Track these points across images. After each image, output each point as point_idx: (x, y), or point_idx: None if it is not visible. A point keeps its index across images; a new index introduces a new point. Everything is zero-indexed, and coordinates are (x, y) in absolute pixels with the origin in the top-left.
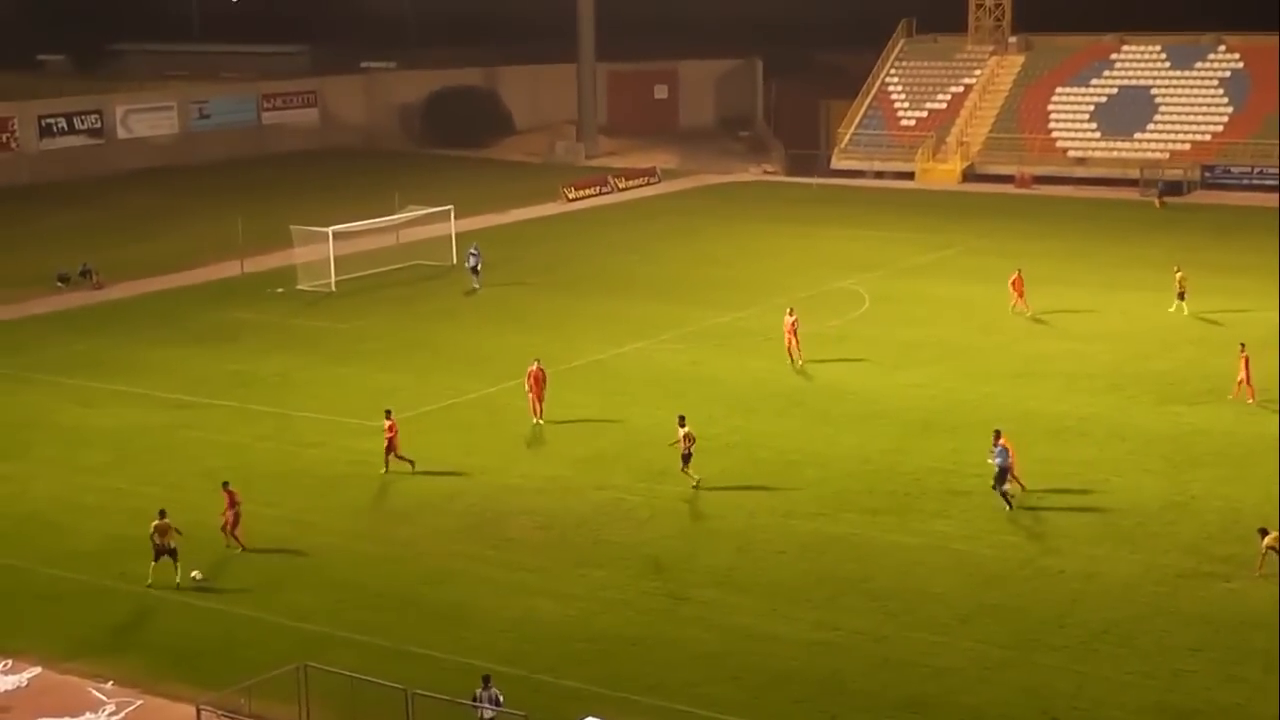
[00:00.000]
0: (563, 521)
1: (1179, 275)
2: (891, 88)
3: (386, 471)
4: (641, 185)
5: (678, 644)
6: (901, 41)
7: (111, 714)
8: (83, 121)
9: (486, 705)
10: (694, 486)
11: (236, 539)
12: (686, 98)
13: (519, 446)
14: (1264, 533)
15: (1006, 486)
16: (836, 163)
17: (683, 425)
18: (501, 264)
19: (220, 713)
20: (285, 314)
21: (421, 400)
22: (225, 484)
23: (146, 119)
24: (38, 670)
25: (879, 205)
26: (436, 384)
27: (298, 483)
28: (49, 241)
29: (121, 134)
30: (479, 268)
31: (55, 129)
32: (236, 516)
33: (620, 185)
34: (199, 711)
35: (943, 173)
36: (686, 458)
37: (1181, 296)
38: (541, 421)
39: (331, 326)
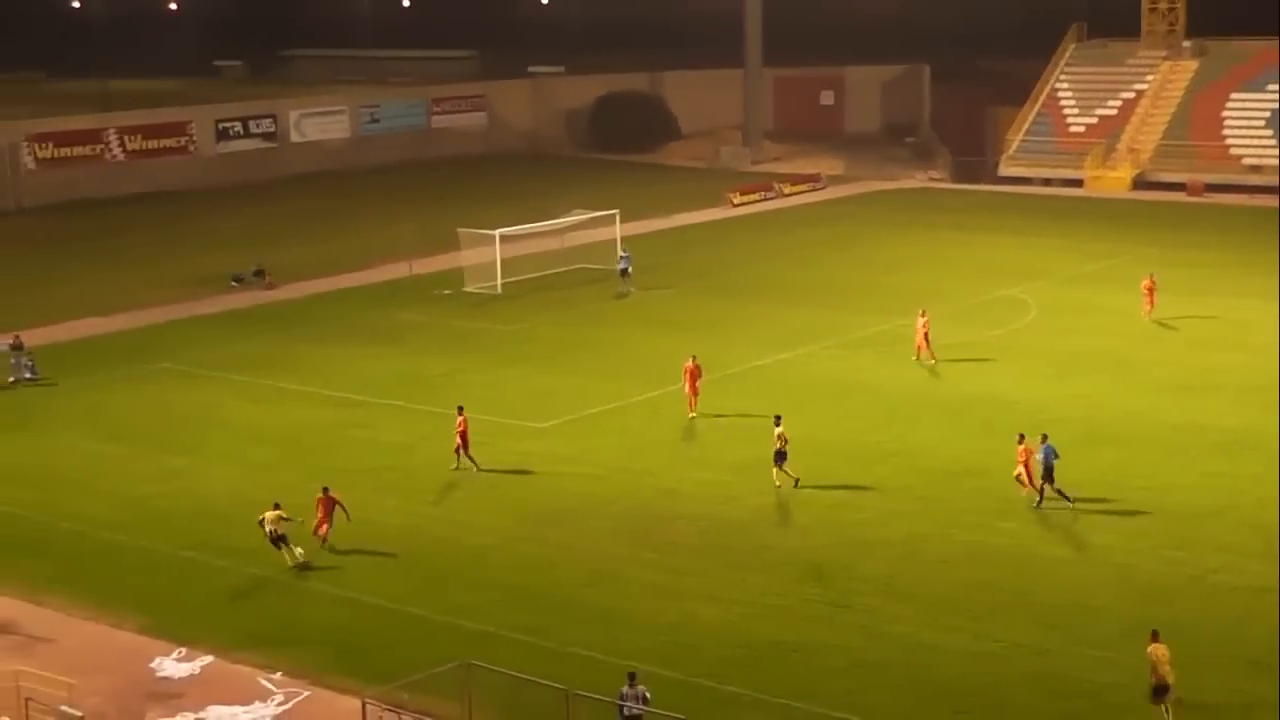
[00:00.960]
0: (723, 526)
1: None
2: (1061, 94)
3: (457, 468)
4: (806, 191)
5: (837, 651)
6: (1072, 46)
7: (280, 704)
8: (257, 125)
9: (632, 704)
10: (794, 484)
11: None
12: (852, 103)
13: (679, 451)
14: None
15: (1037, 491)
16: (1004, 170)
17: (778, 425)
18: (664, 268)
19: (385, 707)
20: (451, 315)
21: (584, 403)
22: (325, 489)
23: (318, 123)
24: (210, 659)
25: (1046, 213)
26: (599, 387)
27: (460, 482)
28: (224, 242)
29: (294, 137)
30: (629, 271)
31: (231, 133)
32: (328, 516)
33: (785, 191)
34: (364, 705)
35: (1112, 180)
36: (780, 456)
37: None
38: (695, 414)
39: (496, 328)
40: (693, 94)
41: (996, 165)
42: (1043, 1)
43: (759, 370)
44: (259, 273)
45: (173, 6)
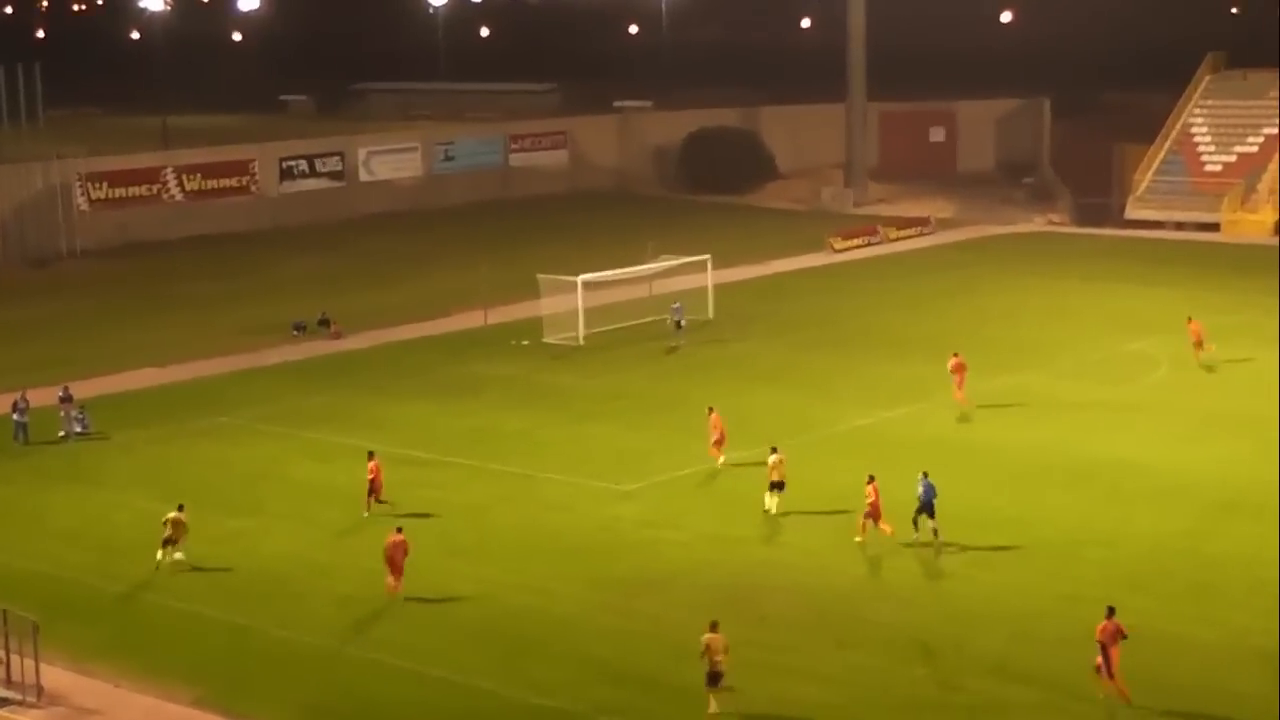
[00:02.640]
0: (822, 598)
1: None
2: (1195, 129)
3: (368, 514)
4: (914, 236)
5: None
6: (1207, 78)
7: None
8: (324, 164)
9: None
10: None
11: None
12: (965, 140)
13: (776, 516)
14: None
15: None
16: (1131, 212)
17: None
18: (761, 319)
19: None
20: (530, 368)
21: (673, 464)
22: (399, 530)
23: (389, 161)
24: None
25: (1178, 260)
26: (691, 447)
27: (540, 548)
28: (287, 288)
29: (363, 176)
30: (683, 323)
31: (296, 171)
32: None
33: (891, 235)
34: None
35: (1252, 224)
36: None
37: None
38: (721, 461)
39: (578, 383)
40: (791, 130)
41: (1123, 208)
42: (1175, 29)
43: (864, 430)
44: (324, 321)
45: (237, 37)
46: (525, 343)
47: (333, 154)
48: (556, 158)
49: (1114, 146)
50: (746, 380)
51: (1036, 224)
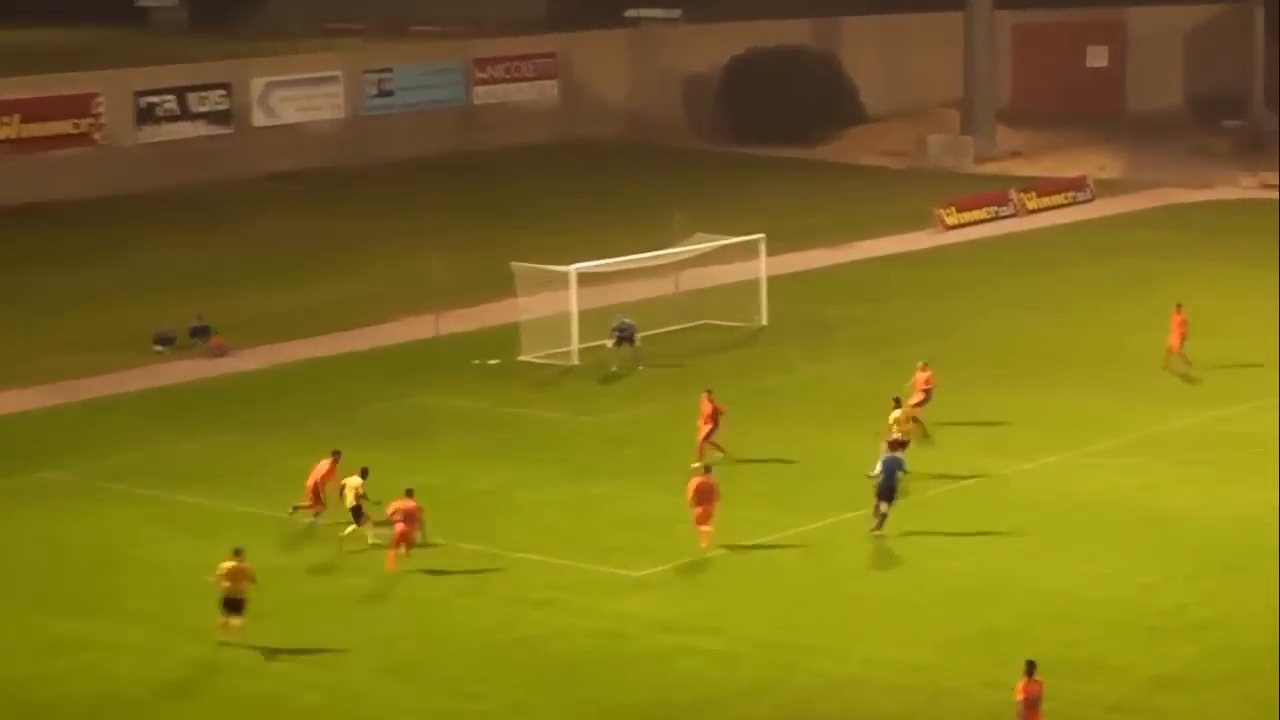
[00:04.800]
0: None
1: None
2: None
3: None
4: (1064, 205)
5: None
6: None
7: None
8: (202, 101)
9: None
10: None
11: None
12: (1138, 66)
13: (864, 615)
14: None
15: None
16: None
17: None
18: (841, 327)
19: None
20: (501, 399)
21: (711, 537)
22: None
23: (297, 97)
24: None
25: None
26: (731, 513)
27: (514, 664)
28: (147, 283)
29: (260, 119)
30: (635, 340)
31: (160, 112)
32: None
33: (1029, 204)
34: None
35: None
36: (898, 444)
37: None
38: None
39: (571, 421)
40: (885, 52)
41: None
42: None
43: (993, 485)
44: (200, 330)
45: None
46: (495, 362)
47: (214, 87)
48: (542, 92)
49: None
50: (819, 417)
51: (1245, 187)
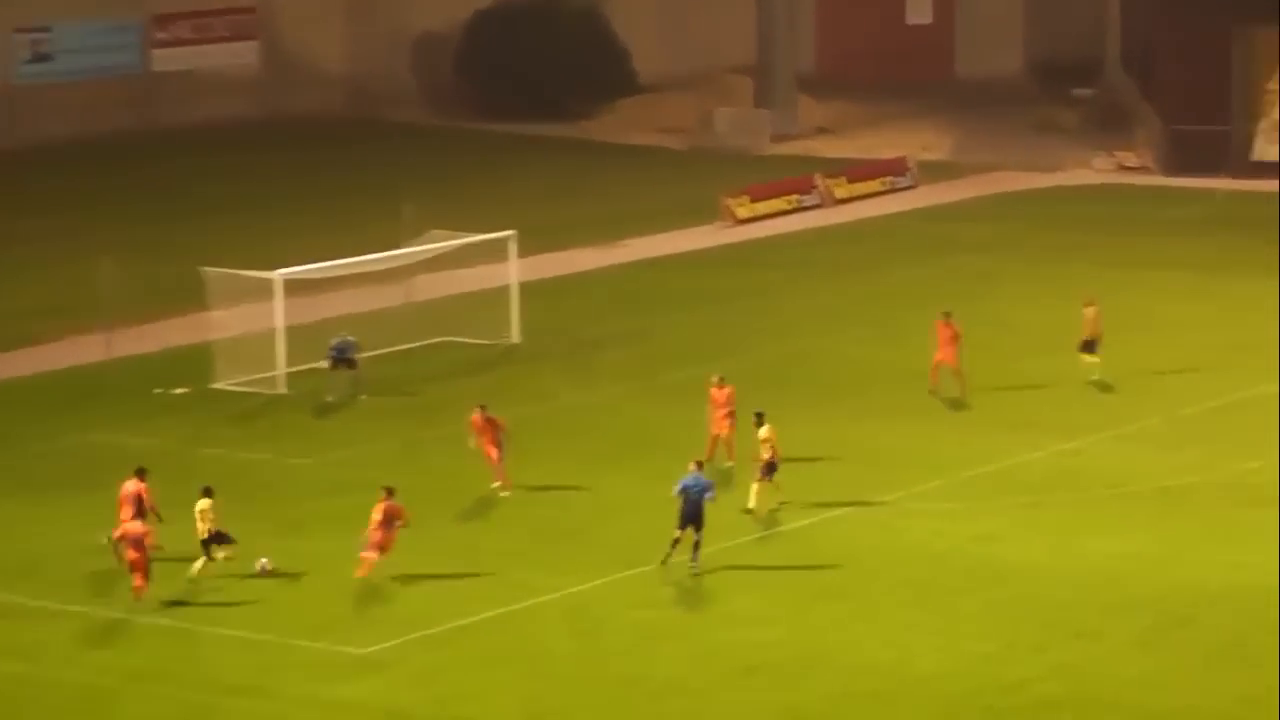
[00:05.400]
0: None
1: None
2: None
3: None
4: (881, 193)
5: None
6: None
7: None
8: None
9: None
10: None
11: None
12: (969, 23)
13: (639, 700)
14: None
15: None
16: (1262, 151)
17: (761, 424)
18: (612, 345)
19: None
20: (189, 437)
21: (454, 605)
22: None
23: None
24: None
25: None
26: (485, 572)
27: None
28: None
29: None
30: (355, 361)
31: None
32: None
33: (838, 193)
34: None
35: None
36: (770, 468)
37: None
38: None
39: (279, 462)
40: (662, 8)
41: (1251, 141)
42: None
43: (798, 538)
44: None
45: None
46: (181, 391)
47: None
48: (238, 55)
49: (1235, 32)
50: (584, 458)
51: (1097, 169)
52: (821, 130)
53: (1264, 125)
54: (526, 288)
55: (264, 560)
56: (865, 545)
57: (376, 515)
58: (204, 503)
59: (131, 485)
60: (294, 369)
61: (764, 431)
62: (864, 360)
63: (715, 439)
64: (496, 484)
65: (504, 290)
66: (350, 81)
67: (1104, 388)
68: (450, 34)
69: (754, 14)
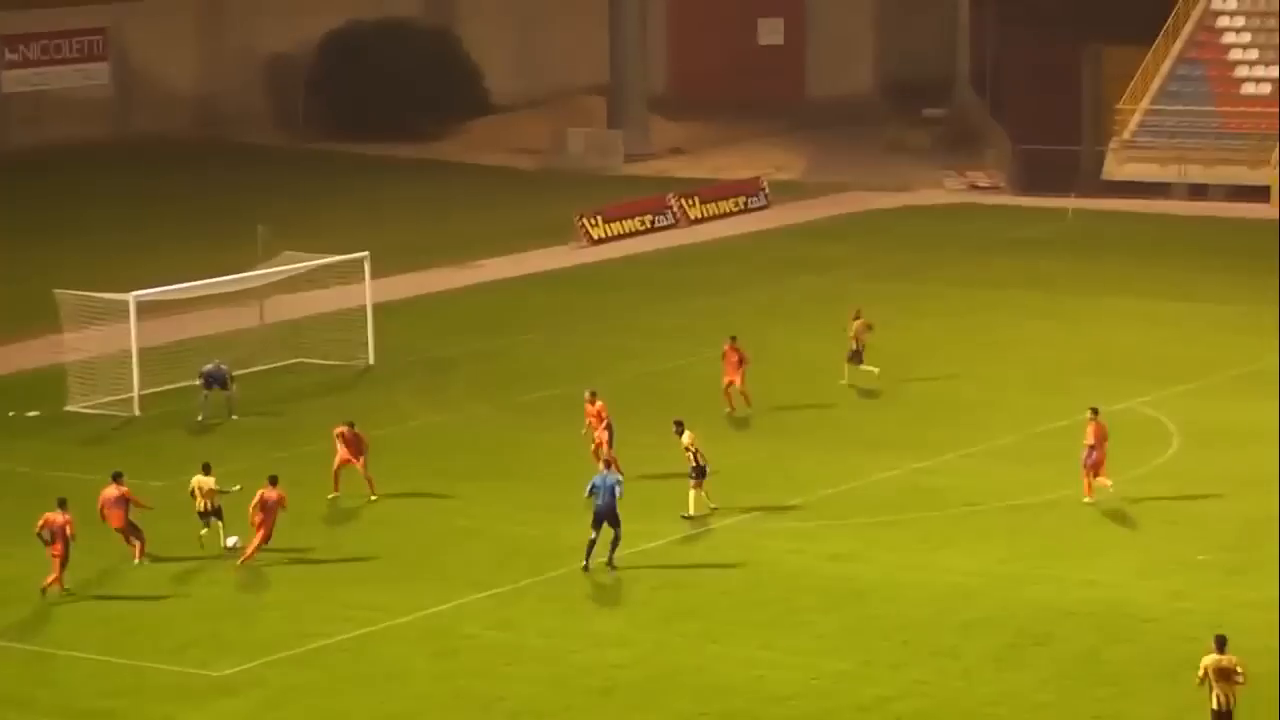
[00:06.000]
0: None
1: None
2: (1224, 23)
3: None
4: (734, 213)
5: None
6: None
7: None
8: None
9: None
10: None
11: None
12: (820, 43)
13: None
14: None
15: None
16: (1113, 169)
17: (681, 431)
18: (466, 365)
19: None
20: (41, 461)
21: (318, 624)
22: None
23: None
24: None
25: (1198, 253)
26: (340, 594)
27: None
28: None
29: None
30: (228, 385)
31: None
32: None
33: (692, 213)
34: None
35: None
36: (699, 472)
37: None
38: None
39: (137, 484)
40: (513, 28)
41: (1101, 159)
42: None
43: (647, 556)
44: None
45: None
46: (33, 414)
47: None
48: (89, 77)
49: (1084, 50)
50: (439, 478)
51: (948, 189)
52: (675, 150)
53: (1114, 145)
54: (381, 308)
55: (234, 539)
56: (722, 564)
57: (255, 505)
58: (202, 479)
59: (113, 490)
60: (148, 391)
61: (686, 439)
62: (717, 380)
63: (595, 452)
64: (372, 496)
65: (358, 311)
66: (201, 102)
67: (870, 394)
68: (302, 55)
69: (606, 34)
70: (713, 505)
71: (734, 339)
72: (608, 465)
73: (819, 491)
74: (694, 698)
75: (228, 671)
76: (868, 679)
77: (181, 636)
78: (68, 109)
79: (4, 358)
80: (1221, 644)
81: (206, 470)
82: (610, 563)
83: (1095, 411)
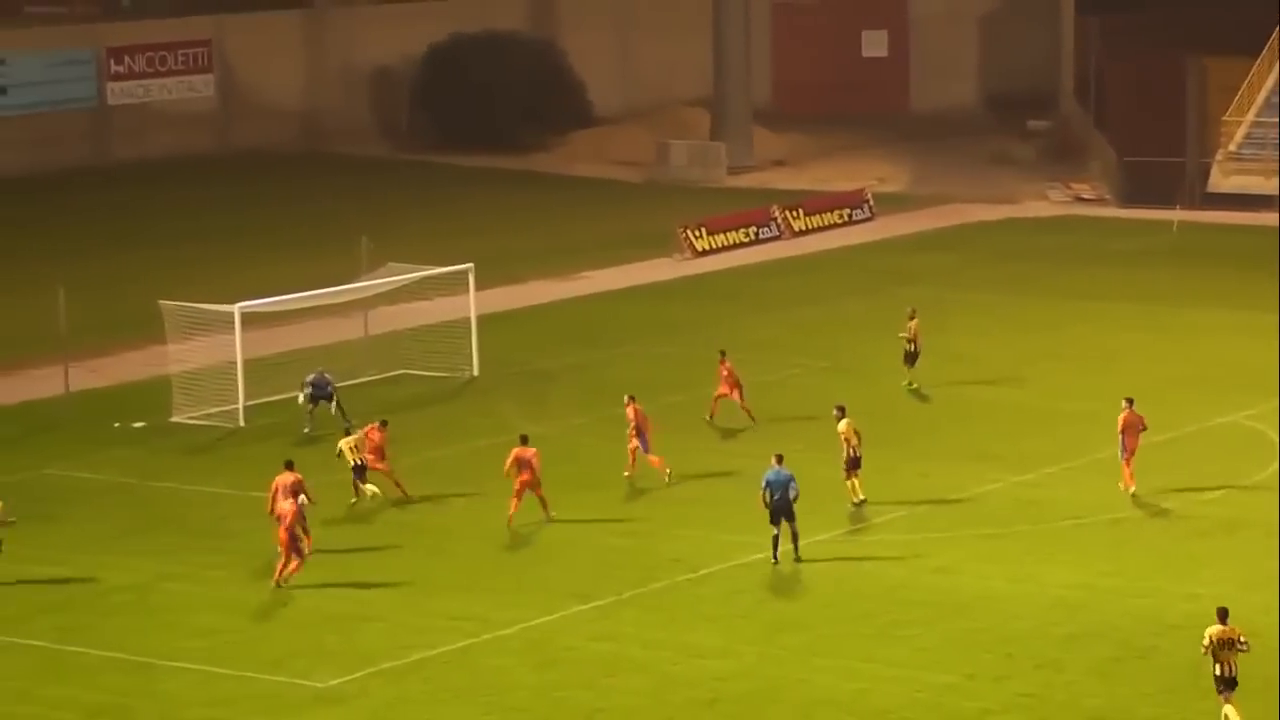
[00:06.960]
0: None
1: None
2: None
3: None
4: (838, 225)
5: None
6: None
7: None
8: None
9: None
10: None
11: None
12: (924, 56)
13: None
14: None
15: None
16: (1218, 182)
17: (842, 417)
18: (568, 377)
19: None
20: (149, 470)
21: (412, 642)
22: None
23: None
24: None
25: None
26: (439, 605)
27: None
28: None
29: None
30: (335, 399)
31: None
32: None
33: (795, 225)
34: None
35: None
36: (854, 462)
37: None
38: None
39: (240, 495)
40: (617, 39)
41: (1207, 172)
42: None
43: (753, 569)
44: None
45: None
46: (139, 425)
47: None
48: (193, 90)
49: (1189, 63)
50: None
51: (1052, 201)
52: (778, 163)
53: (1219, 157)
54: (483, 320)
55: (373, 487)
56: (826, 577)
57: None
58: (350, 439)
59: (288, 478)
60: (252, 402)
61: (843, 426)
62: (821, 391)
63: (633, 453)
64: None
65: (461, 323)
66: (304, 115)
67: (972, 407)
68: (406, 68)
69: (708, 46)
70: (861, 497)
71: (722, 353)
72: (779, 459)
73: (922, 504)
74: (797, 711)
75: (331, 683)
76: (971, 692)
77: (284, 647)
78: (171, 121)
79: (109, 369)
80: (1223, 615)
81: (348, 432)
82: (796, 556)
83: (1130, 402)
